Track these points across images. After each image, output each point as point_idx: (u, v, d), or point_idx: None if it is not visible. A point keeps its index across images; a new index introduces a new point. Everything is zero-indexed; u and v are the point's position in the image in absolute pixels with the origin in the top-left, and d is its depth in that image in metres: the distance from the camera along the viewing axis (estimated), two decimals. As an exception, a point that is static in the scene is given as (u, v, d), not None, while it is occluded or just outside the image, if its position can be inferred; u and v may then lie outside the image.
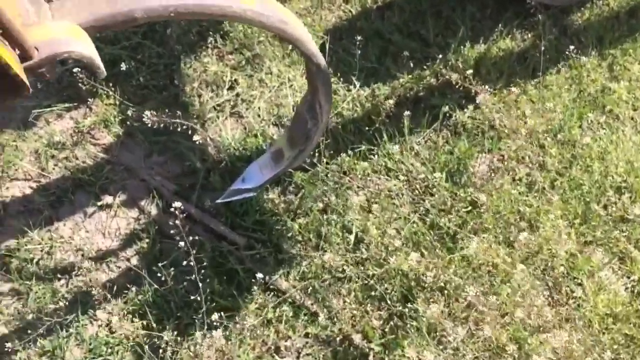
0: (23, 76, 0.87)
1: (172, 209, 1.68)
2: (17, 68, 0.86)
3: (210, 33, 2.42)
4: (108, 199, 2.12)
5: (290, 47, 2.47)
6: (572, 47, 2.43)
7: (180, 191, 2.14)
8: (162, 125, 1.77)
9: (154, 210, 2.12)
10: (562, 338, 1.96)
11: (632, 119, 2.46)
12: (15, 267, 2.00)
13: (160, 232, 2.07)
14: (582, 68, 2.55)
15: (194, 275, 1.77)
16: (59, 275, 2.02)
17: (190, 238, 1.70)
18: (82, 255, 2.05)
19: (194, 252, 1.72)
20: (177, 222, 1.62)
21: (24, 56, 0.90)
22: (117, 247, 2.08)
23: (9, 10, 0.88)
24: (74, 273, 2.02)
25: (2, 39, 0.85)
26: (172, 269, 1.88)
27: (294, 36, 1.29)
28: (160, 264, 1.89)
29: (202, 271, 1.80)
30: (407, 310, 1.93)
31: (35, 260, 2.02)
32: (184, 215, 1.68)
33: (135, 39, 2.39)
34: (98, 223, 2.11)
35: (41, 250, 2.05)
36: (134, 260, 2.05)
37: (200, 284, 1.75)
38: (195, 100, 2.32)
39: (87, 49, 0.97)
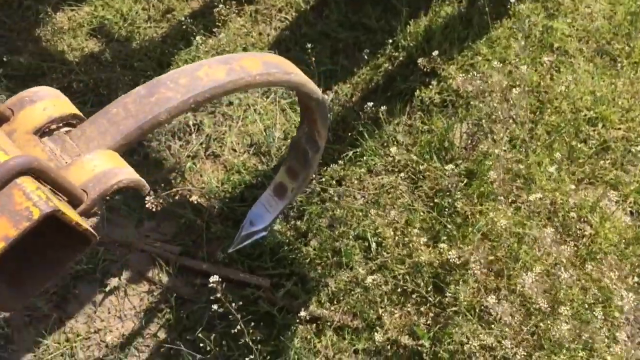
0: (90, 228, 0.80)
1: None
2: (83, 222, 0.79)
3: (158, 80, 2.31)
4: (113, 281, 2.03)
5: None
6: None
7: (185, 250, 2.07)
8: (161, 201, 1.70)
9: (164, 278, 2.04)
10: (589, 276, 2.04)
11: (580, 50, 2.56)
12: (42, 382, 1.89)
13: (179, 298, 2.00)
14: (520, 14, 2.61)
15: (231, 330, 1.73)
16: (89, 374, 1.92)
17: (227, 302, 1.66)
18: (107, 346, 1.96)
19: (237, 313, 1.67)
20: (219, 295, 1.57)
21: (74, 202, 0.82)
22: (139, 326, 1.99)
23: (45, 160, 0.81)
24: (104, 367, 1.93)
25: (59, 195, 0.78)
26: (210, 333, 1.82)
27: (297, 82, 1.25)
28: (197, 332, 1.83)
29: (248, 330, 1.75)
30: (445, 299, 1.96)
31: (59, 368, 1.92)
32: (222, 281, 1.62)
33: (84, 109, 2.25)
34: (111, 308, 2.02)
35: (62, 355, 1.94)
36: (162, 334, 1.97)
37: (251, 343, 1.70)
38: (166, 153, 2.23)
39: (131, 173, 0.90)
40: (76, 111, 0.95)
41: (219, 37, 2.41)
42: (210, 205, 2.12)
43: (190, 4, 2.63)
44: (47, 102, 0.92)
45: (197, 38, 2.34)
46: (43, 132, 0.90)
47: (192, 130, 2.28)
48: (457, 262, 1.90)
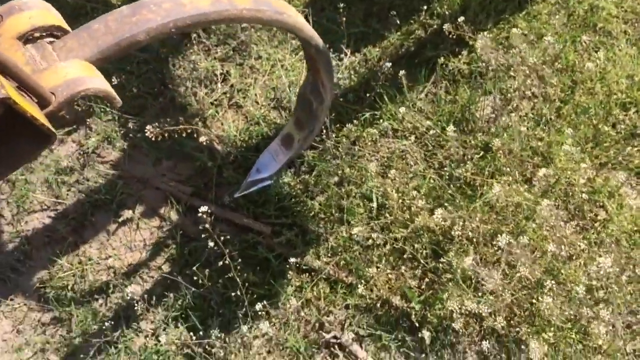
0: (49, 125, 0.87)
1: (198, 214, 1.69)
2: (42, 118, 0.86)
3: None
4: (127, 214, 2.14)
5: (274, 28, 2.44)
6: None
7: (197, 192, 2.15)
8: (165, 134, 1.77)
9: (174, 216, 2.13)
10: (595, 262, 1.99)
11: (625, 32, 2.45)
12: (53, 297, 2.03)
13: (185, 236, 2.09)
14: (566, -9, 2.52)
15: (227, 269, 1.80)
16: (96, 296, 2.05)
17: (218, 237, 1.72)
18: (114, 272, 2.08)
19: (225, 248, 1.74)
20: (207, 225, 1.64)
21: (43, 103, 0.90)
22: (146, 258, 2.10)
23: (18, 61, 0.88)
24: (109, 291, 2.05)
25: (22, 91, 0.85)
26: (207, 270, 1.90)
27: (291, 24, 1.28)
28: (194, 267, 1.91)
29: (236, 265, 1.82)
30: (440, 265, 1.96)
31: (70, 287, 2.05)
32: (211, 217, 1.69)
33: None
34: (123, 238, 2.13)
35: (74, 276, 2.07)
36: (166, 267, 2.08)
37: (238, 279, 1.77)
38: (191, 99, 2.30)
39: (100, 83, 0.96)
40: (62, 24, 1.02)
41: (254, -10, 2.45)
42: (225, 151, 2.19)
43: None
44: (34, 11, 0.99)
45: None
46: (27, 39, 0.97)
47: (219, 79, 2.34)
48: (446, 225, 1.91)
